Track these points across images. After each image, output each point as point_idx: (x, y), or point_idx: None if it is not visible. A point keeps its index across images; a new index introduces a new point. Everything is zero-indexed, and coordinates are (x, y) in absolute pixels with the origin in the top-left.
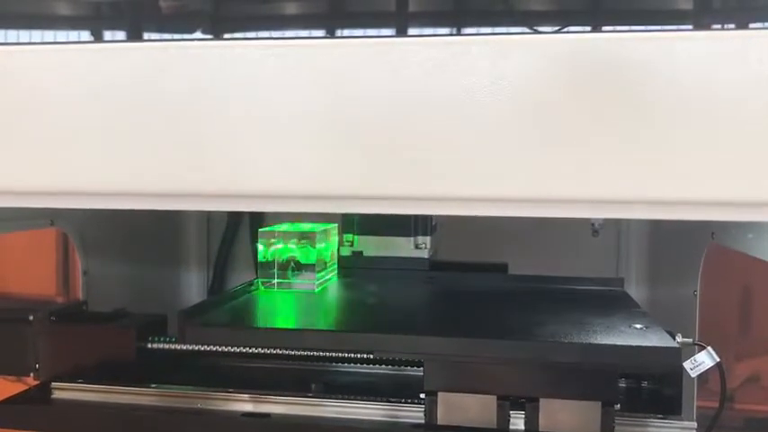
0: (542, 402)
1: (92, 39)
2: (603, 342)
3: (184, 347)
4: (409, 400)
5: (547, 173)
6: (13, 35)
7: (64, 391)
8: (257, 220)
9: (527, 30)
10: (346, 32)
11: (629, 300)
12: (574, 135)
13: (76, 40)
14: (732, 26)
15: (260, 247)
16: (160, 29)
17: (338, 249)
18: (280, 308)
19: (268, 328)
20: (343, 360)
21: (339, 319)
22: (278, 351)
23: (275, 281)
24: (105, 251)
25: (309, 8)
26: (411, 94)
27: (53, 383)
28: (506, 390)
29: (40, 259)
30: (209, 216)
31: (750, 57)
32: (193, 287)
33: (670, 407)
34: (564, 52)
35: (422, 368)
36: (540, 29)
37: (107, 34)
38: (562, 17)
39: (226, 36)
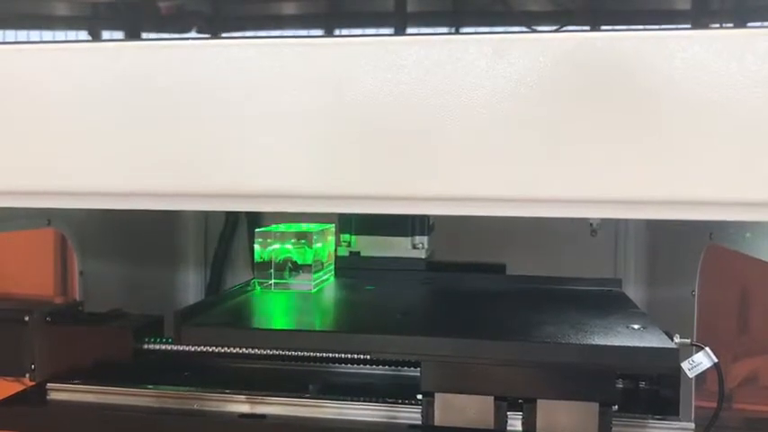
0: (540, 403)
1: (89, 39)
2: (601, 343)
3: (181, 348)
4: (406, 401)
5: (545, 172)
6: (10, 35)
7: (60, 392)
8: (254, 220)
9: (526, 30)
10: (344, 32)
11: (628, 300)
12: (572, 134)
13: (74, 39)
14: (730, 26)
15: (257, 247)
16: (158, 29)
17: (335, 250)
18: (276, 308)
19: (265, 329)
20: (339, 361)
21: (336, 320)
22: (275, 352)
23: (272, 281)
24: (102, 252)
25: (308, 8)
26: (410, 94)
27: (49, 384)
28: (504, 390)
29: (36, 260)
30: (206, 216)
31: (749, 55)
32: (190, 288)
33: (668, 407)
34: (563, 51)
35: (419, 369)
36: (539, 29)
37: (105, 35)
38: (560, 17)
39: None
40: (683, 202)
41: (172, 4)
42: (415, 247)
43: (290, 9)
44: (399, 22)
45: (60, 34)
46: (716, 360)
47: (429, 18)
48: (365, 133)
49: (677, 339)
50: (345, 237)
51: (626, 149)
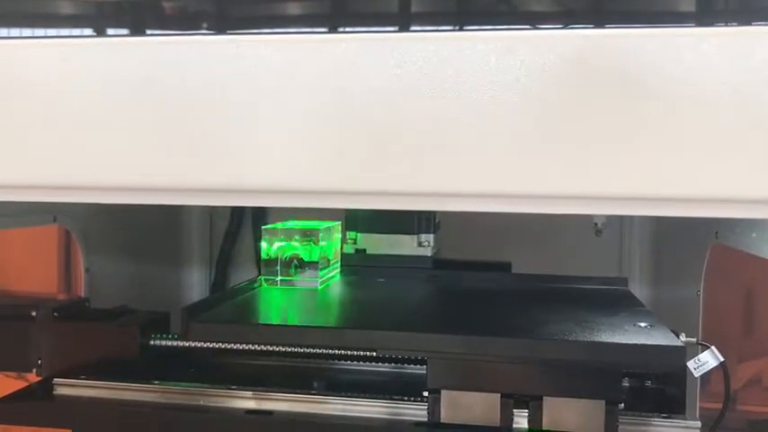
0: (546, 401)
1: (94, 36)
2: (609, 340)
3: (187, 344)
4: (412, 398)
5: (550, 168)
6: (16, 33)
7: (66, 388)
8: (260, 217)
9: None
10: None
11: (633, 299)
12: (578, 131)
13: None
14: (735, 25)
15: (263, 244)
16: (163, 28)
17: (341, 247)
18: (283, 305)
19: (271, 326)
20: (345, 357)
21: (342, 317)
22: (281, 348)
23: (278, 278)
24: (108, 248)
25: (312, 8)
26: (415, 90)
27: (55, 380)
28: (510, 388)
29: (42, 256)
30: (211, 213)
31: (754, 53)
32: (196, 284)
33: (674, 406)
34: (568, 49)
35: (425, 366)
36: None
37: (110, 33)
38: (565, 17)
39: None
40: (689, 199)
41: (177, 4)
42: (420, 244)
43: (295, 9)
44: (404, 22)
45: (65, 32)
46: (722, 359)
47: (433, 19)
48: (371, 129)
49: (683, 338)
50: (351, 234)
51: (632, 146)
